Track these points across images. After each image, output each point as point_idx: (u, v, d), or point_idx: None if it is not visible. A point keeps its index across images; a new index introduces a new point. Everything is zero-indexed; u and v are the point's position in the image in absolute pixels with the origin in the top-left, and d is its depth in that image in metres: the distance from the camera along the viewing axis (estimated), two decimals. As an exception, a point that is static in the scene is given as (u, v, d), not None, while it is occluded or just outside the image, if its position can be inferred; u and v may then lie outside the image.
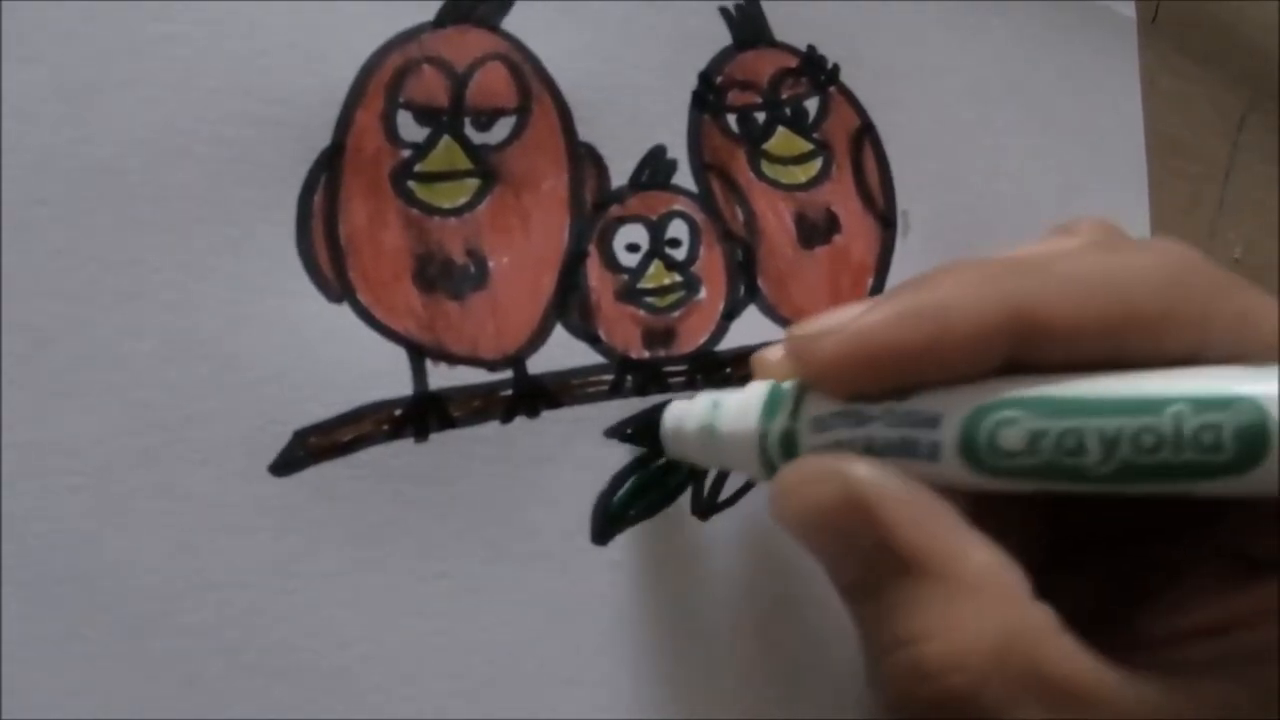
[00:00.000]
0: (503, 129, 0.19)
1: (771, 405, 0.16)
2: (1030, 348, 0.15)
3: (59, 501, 0.16)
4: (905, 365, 0.15)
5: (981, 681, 0.14)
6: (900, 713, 0.15)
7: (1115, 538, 0.17)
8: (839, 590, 0.16)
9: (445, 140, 0.19)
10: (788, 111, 0.22)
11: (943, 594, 0.14)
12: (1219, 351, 0.15)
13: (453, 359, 0.19)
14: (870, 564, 0.15)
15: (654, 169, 0.20)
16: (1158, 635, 0.16)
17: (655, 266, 0.20)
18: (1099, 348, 0.15)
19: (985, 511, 0.15)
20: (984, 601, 0.14)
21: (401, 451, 0.18)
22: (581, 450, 0.19)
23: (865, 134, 0.22)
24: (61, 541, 0.16)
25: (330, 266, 0.18)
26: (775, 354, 0.17)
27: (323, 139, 0.18)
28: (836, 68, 0.22)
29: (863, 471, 0.15)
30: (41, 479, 0.16)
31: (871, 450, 0.15)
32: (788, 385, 0.17)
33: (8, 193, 0.16)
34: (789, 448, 0.16)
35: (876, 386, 0.15)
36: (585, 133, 0.20)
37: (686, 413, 0.18)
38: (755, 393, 0.17)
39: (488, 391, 0.19)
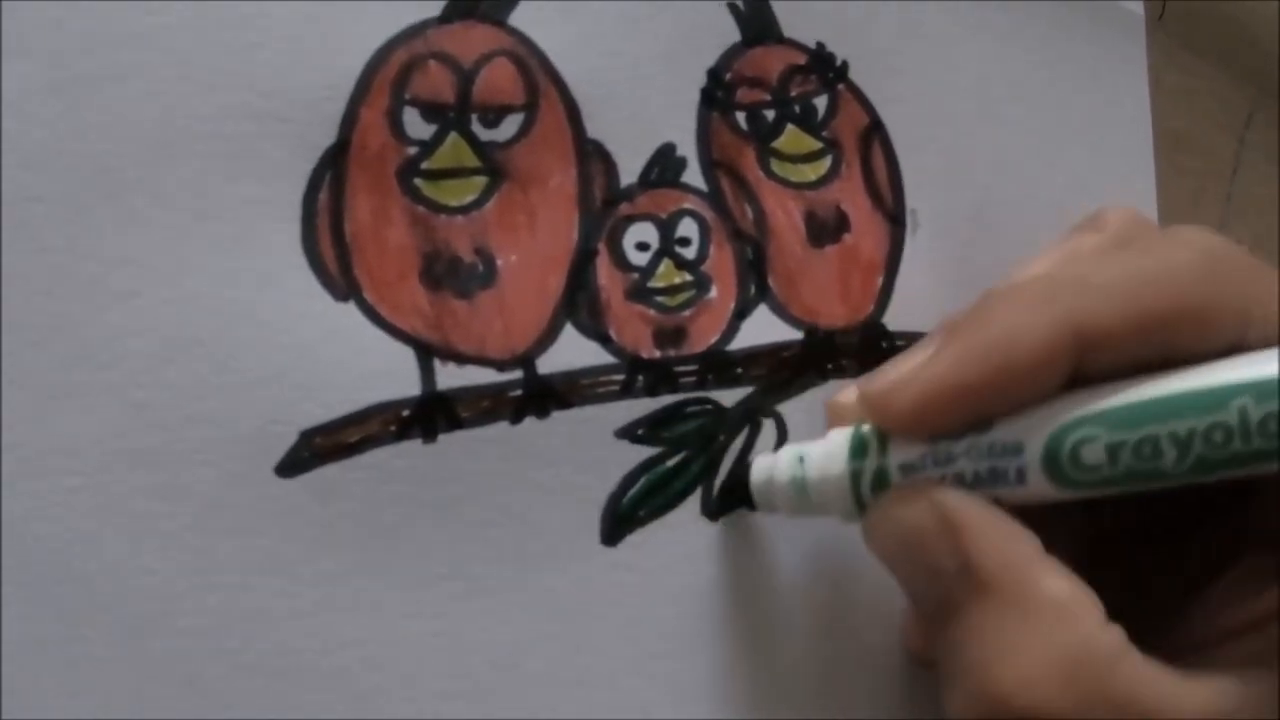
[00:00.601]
0: (510, 126, 0.19)
1: (857, 448, 0.18)
2: (1087, 360, 0.16)
3: (58, 502, 0.16)
4: (981, 401, 0.16)
5: (1053, 702, 0.15)
6: None
7: (1149, 536, 0.18)
8: (923, 617, 0.17)
9: (452, 137, 0.19)
10: (797, 109, 0.21)
11: (1018, 617, 0.15)
12: (1259, 334, 0.15)
13: (461, 359, 0.18)
14: (953, 586, 0.16)
15: (663, 167, 0.20)
16: (1203, 634, 0.16)
17: (665, 265, 0.20)
18: (1151, 349, 0.15)
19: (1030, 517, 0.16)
20: (1057, 624, 0.15)
21: (409, 453, 0.18)
22: (591, 451, 0.19)
23: (874, 132, 0.22)
24: (61, 542, 0.16)
25: (336, 265, 0.18)
26: (848, 398, 0.19)
27: (327, 136, 0.18)
28: (845, 65, 0.22)
29: (953, 498, 0.16)
30: (40, 479, 0.16)
31: (962, 483, 0.16)
32: (866, 429, 0.18)
33: (5, 190, 0.16)
34: (881, 486, 0.17)
35: (956, 424, 0.16)
36: (594, 130, 0.20)
37: (774, 467, 0.19)
38: (838, 440, 0.18)
39: (496, 392, 0.19)
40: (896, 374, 0.16)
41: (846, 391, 0.19)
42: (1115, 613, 0.15)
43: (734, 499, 0.20)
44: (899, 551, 0.17)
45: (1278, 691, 0.15)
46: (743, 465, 0.20)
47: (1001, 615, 0.15)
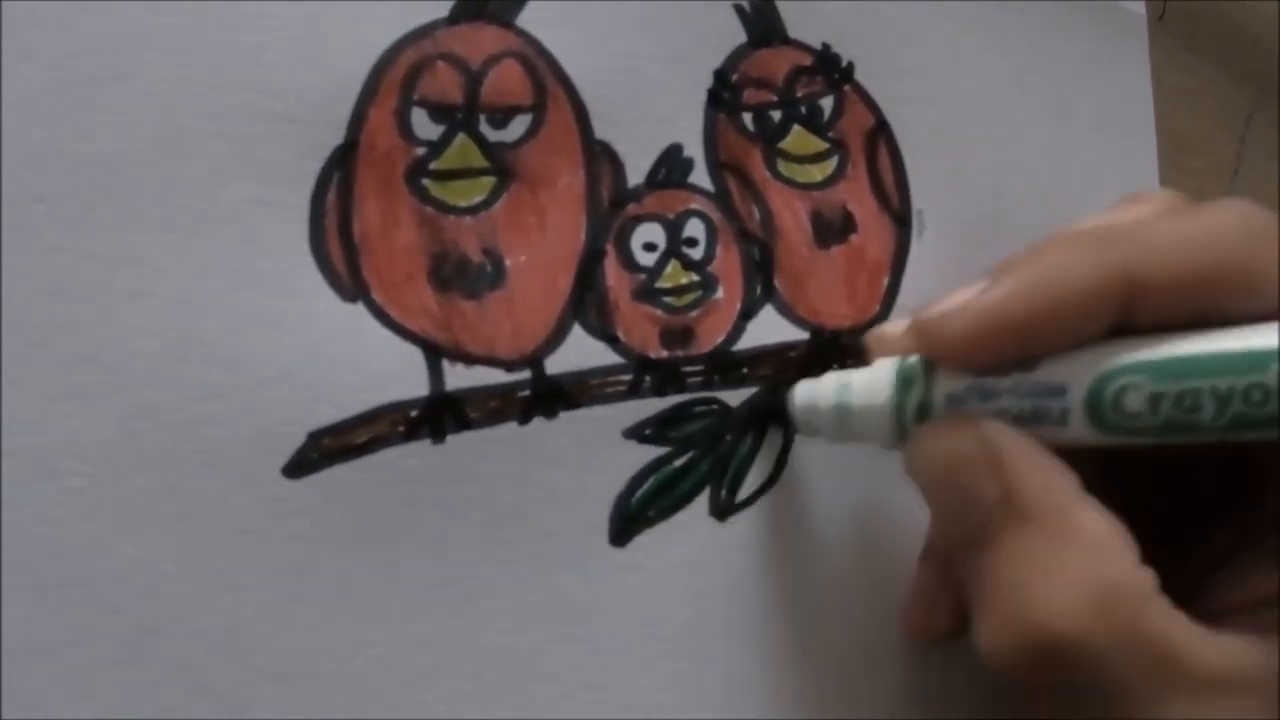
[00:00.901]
0: (518, 127, 0.19)
1: (903, 380, 0.18)
2: (1134, 309, 0.16)
3: (63, 503, 0.16)
4: (1030, 336, 0.16)
5: (1084, 631, 0.15)
6: (1002, 663, 0.16)
7: (1154, 539, 0.18)
8: (953, 546, 0.17)
9: (460, 138, 0.19)
10: (803, 110, 0.22)
11: (1056, 546, 0.16)
12: None
13: (469, 359, 0.18)
14: (991, 514, 0.16)
15: (670, 167, 0.20)
16: (1231, 603, 0.17)
17: (672, 266, 0.20)
18: (1193, 306, 0.16)
19: None
20: (1094, 557, 0.15)
21: (417, 453, 0.18)
22: (599, 451, 0.19)
23: (880, 132, 0.22)
24: (66, 544, 0.16)
25: (344, 265, 0.18)
26: (894, 330, 0.19)
27: (335, 136, 0.18)
28: (851, 66, 0.22)
29: (997, 429, 0.16)
30: (45, 481, 0.16)
31: (1005, 419, 0.17)
32: (912, 361, 0.18)
33: (7, 190, 0.16)
34: (924, 417, 0.17)
35: (1004, 358, 0.16)
36: (601, 130, 0.20)
37: (816, 392, 0.19)
38: (884, 369, 0.18)
39: (505, 392, 0.19)
40: (949, 304, 0.17)
41: (893, 323, 0.19)
42: None
43: (769, 419, 0.20)
44: (940, 478, 0.17)
45: None
46: (777, 392, 0.20)
47: (1039, 543, 0.16)
